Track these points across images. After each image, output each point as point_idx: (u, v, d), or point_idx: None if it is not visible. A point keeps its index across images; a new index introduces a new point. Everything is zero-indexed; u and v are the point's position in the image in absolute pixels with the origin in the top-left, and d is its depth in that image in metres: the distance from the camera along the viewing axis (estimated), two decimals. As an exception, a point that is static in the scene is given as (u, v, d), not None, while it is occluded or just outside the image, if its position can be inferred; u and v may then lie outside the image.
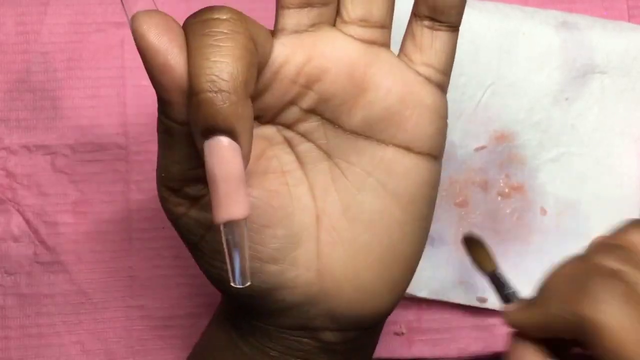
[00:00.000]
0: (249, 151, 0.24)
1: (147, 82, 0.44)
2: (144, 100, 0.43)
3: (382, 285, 0.29)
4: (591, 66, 0.43)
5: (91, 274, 0.43)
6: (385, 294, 0.29)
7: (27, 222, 0.43)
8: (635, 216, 0.43)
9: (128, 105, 0.43)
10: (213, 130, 0.23)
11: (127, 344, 0.42)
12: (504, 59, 0.43)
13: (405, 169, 0.28)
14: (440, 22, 0.28)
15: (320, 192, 0.29)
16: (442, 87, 0.29)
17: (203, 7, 0.24)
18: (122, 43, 0.44)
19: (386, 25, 0.28)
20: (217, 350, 0.32)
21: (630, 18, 0.45)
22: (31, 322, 0.42)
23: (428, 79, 0.28)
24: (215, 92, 0.22)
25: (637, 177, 0.43)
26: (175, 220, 0.28)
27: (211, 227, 0.27)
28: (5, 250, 0.42)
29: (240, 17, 0.24)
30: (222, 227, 0.24)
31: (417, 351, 0.43)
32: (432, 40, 0.28)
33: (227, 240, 0.24)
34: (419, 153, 0.28)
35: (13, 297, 0.42)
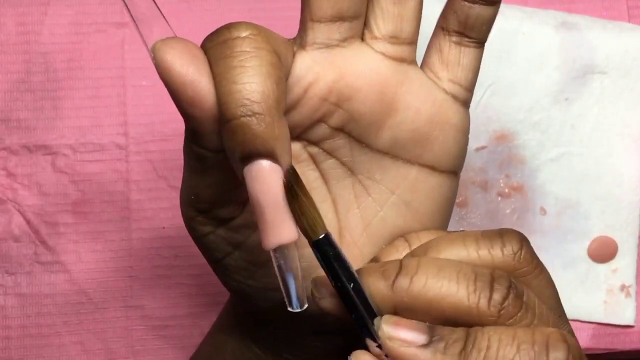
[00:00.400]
0: (290, 167, 0.23)
1: (147, 82, 0.44)
2: (144, 101, 0.43)
3: None
4: (591, 66, 0.43)
5: (91, 274, 0.43)
6: None
7: (28, 222, 0.43)
8: (635, 216, 0.43)
9: (128, 106, 0.43)
10: (252, 155, 0.22)
11: (127, 343, 0.42)
12: (503, 59, 0.43)
13: (430, 187, 0.28)
14: (469, 37, 0.27)
15: (342, 208, 0.28)
16: (466, 104, 0.28)
17: (220, 27, 0.24)
18: (122, 43, 0.44)
19: (414, 41, 0.27)
20: (227, 350, 0.32)
21: (630, 18, 0.45)
22: (32, 322, 0.42)
23: (454, 97, 0.28)
24: (249, 116, 0.22)
25: (637, 177, 0.43)
26: (200, 238, 0.27)
27: (240, 246, 0.27)
28: (5, 250, 0.42)
29: (259, 31, 0.23)
30: (273, 253, 0.23)
31: (417, 351, 0.43)
32: (459, 57, 0.27)
33: (279, 265, 0.23)
34: (442, 172, 0.28)
35: (13, 297, 0.42)
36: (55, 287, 0.42)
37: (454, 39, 0.27)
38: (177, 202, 0.43)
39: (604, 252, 0.43)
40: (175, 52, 0.23)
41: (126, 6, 0.24)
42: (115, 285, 0.43)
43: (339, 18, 0.25)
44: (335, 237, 0.26)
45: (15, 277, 0.42)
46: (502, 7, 0.43)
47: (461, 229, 0.43)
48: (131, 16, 0.24)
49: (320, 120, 0.26)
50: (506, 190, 0.43)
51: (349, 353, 0.29)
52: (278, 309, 0.27)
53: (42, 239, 0.43)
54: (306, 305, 0.24)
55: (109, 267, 0.43)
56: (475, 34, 0.27)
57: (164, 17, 0.24)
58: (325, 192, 0.28)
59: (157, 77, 0.41)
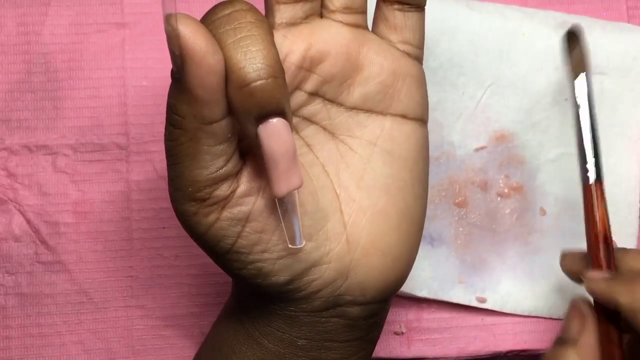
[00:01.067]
0: (293, 125, 0.26)
1: (147, 82, 0.44)
2: (144, 101, 0.44)
3: (403, 247, 0.31)
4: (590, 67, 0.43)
5: (92, 274, 0.43)
6: (406, 257, 0.31)
7: (28, 222, 0.43)
8: (635, 216, 0.43)
9: (128, 106, 0.43)
10: (268, 114, 0.25)
11: (127, 343, 0.42)
12: (503, 60, 0.43)
13: (405, 134, 0.31)
14: (409, 4, 0.31)
15: (332, 169, 0.31)
16: (419, 59, 0.32)
17: (215, 5, 0.26)
18: (122, 43, 0.44)
19: (365, 11, 0.30)
20: (234, 350, 0.32)
21: (630, 19, 0.45)
22: (32, 322, 0.42)
23: (408, 54, 0.31)
24: (265, 79, 0.24)
25: (637, 177, 0.43)
26: (206, 232, 0.28)
27: (249, 218, 0.28)
28: (6, 250, 0.42)
29: (251, 5, 0.26)
30: (280, 200, 0.27)
31: (416, 351, 0.43)
32: (404, 21, 0.31)
33: (285, 209, 0.27)
34: (413, 119, 0.31)
35: (14, 297, 0.42)
36: (55, 287, 0.42)
37: (395, 6, 0.31)
38: (178, 202, 0.43)
39: (603, 252, 0.43)
40: (195, 24, 0.24)
41: None
42: (116, 285, 0.43)
43: None
44: (334, 197, 0.30)
45: (16, 277, 0.42)
46: (502, 7, 0.44)
47: (460, 229, 0.43)
48: None
49: (297, 87, 0.29)
50: (506, 190, 0.43)
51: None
52: (295, 280, 0.29)
53: (42, 238, 0.43)
54: (304, 242, 0.28)
55: (109, 267, 0.43)
56: (414, 1, 0.31)
57: None
58: (312, 157, 0.30)
59: (157, 77, 0.41)
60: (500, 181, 0.43)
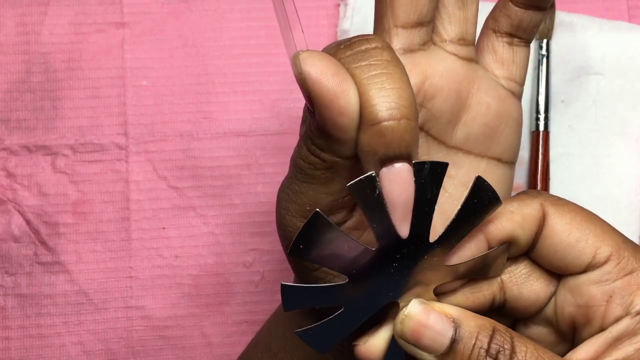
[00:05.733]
0: None
1: (147, 82, 0.44)
2: (144, 101, 0.43)
3: None
4: (586, 68, 0.43)
5: (91, 275, 0.43)
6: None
7: (28, 222, 0.43)
8: (635, 216, 0.43)
9: (128, 106, 0.43)
10: (395, 157, 0.23)
11: (127, 344, 0.42)
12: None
13: (496, 178, 0.29)
14: (520, 38, 0.29)
15: None
16: (520, 98, 0.30)
17: (351, 38, 0.25)
18: (122, 43, 0.44)
19: (474, 42, 0.29)
20: (293, 357, 0.32)
21: (631, 18, 0.45)
22: (32, 322, 0.42)
23: (512, 92, 0.30)
24: (397, 119, 0.23)
25: (636, 177, 0.43)
26: None
27: None
28: (5, 251, 0.42)
29: (388, 43, 0.25)
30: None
31: (417, 351, 0.43)
32: (513, 56, 0.29)
33: None
34: (506, 163, 0.30)
35: (14, 298, 0.42)
36: (55, 287, 0.42)
37: (505, 39, 0.29)
38: (177, 202, 0.43)
39: (604, 252, 0.43)
40: (321, 64, 0.23)
41: (276, 10, 0.25)
42: (115, 285, 0.43)
43: (419, 23, 0.27)
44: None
45: (15, 277, 0.42)
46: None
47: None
48: (279, 21, 0.25)
49: None
50: (506, 190, 0.43)
51: None
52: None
53: (42, 239, 0.43)
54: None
55: (109, 267, 0.43)
56: (526, 35, 0.29)
57: (301, 26, 0.24)
58: None
59: (157, 77, 0.41)
60: (501, 181, 0.43)
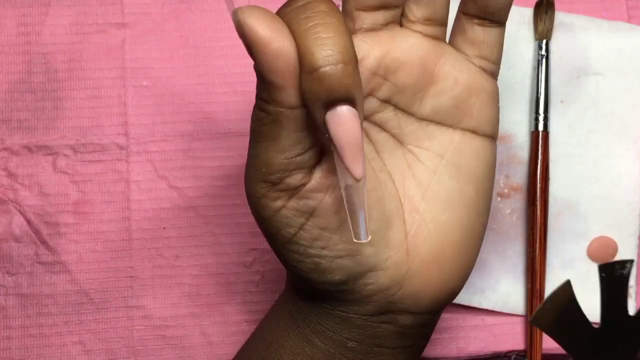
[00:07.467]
0: (363, 116, 0.26)
1: (147, 82, 0.44)
2: (144, 101, 0.44)
3: (461, 263, 0.31)
4: (584, 68, 0.44)
5: (92, 274, 0.43)
6: (463, 272, 0.31)
7: (28, 222, 0.43)
8: (635, 216, 0.43)
9: (128, 106, 0.43)
10: (335, 100, 0.25)
11: (127, 344, 0.43)
12: (503, 61, 0.43)
13: (474, 150, 0.31)
14: (490, 20, 0.30)
15: (399, 178, 0.30)
16: (495, 75, 0.31)
17: None
18: (122, 44, 0.44)
19: (445, 23, 0.30)
20: (283, 346, 0.32)
21: (630, 19, 0.45)
22: (32, 322, 0.42)
23: (484, 70, 0.31)
24: (334, 64, 0.24)
25: (636, 177, 0.43)
26: (270, 217, 0.29)
27: (313, 213, 0.28)
28: (6, 251, 0.42)
29: None
30: (347, 190, 0.26)
31: (417, 351, 0.43)
32: (484, 36, 0.30)
33: (351, 201, 0.27)
34: (483, 135, 0.31)
35: (14, 298, 0.42)
36: (56, 287, 0.42)
37: (475, 21, 0.30)
38: (178, 202, 0.43)
39: (603, 252, 0.43)
40: (257, 15, 0.25)
41: None
42: (116, 285, 0.43)
43: (382, 6, 0.28)
44: (398, 205, 0.30)
45: (16, 277, 0.42)
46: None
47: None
48: None
49: (370, 93, 0.29)
50: (506, 190, 0.43)
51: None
52: (350, 281, 0.29)
53: (42, 239, 0.43)
54: (370, 237, 0.27)
55: (109, 267, 0.43)
56: (495, 17, 0.30)
57: None
58: (380, 163, 0.30)
59: (157, 77, 0.41)
60: (500, 181, 0.43)
